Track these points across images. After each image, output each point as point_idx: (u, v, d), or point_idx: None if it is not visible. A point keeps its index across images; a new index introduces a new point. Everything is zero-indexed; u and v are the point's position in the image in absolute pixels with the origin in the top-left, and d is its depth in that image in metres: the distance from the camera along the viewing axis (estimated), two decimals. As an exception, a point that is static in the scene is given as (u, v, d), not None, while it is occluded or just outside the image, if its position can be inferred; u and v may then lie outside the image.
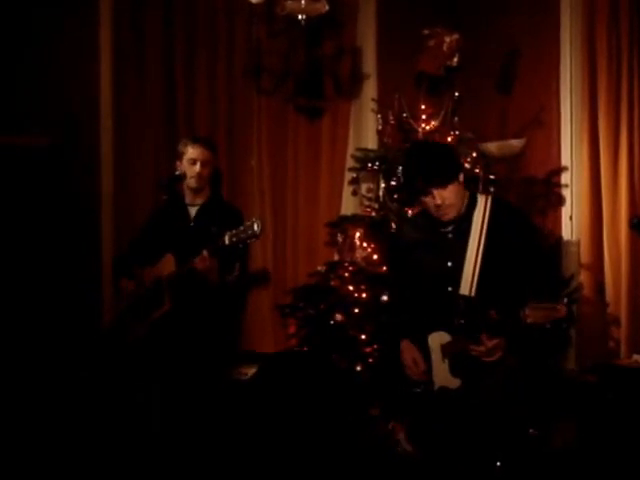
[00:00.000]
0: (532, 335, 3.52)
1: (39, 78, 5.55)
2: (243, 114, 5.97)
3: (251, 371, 5.20)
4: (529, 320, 3.30)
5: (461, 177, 3.63)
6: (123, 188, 5.92)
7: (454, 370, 3.63)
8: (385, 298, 4.78)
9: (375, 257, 5.31)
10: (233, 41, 5.93)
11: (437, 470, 3.82)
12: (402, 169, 3.74)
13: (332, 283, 5.39)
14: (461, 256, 3.61)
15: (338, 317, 5.21)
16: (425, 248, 3.76)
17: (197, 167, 4.56)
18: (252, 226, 4.07)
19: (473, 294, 3.57)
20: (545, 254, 3.70)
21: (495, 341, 3.47)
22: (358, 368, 5.06)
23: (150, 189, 5.78)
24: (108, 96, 5.83)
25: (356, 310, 5.17)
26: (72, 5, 5.66)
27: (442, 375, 3.67)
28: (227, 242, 4.11)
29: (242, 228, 4.09)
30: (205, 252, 4.21)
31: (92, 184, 5.83)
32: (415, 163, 3.66)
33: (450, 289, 3.63)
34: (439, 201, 3.56)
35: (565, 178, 5.44)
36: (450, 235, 3.69)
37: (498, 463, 3.71)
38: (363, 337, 5.12)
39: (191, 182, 4.57)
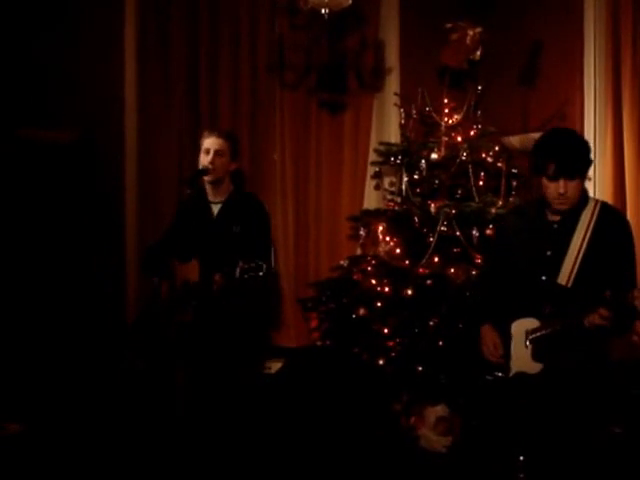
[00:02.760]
0: (629, 317, 3.56)
1: (65, 74, 5.61)
2: (266, 108, 5.99)
3: (276, 366, 5.22)
4: (637, 302, 3.38)
5: (587, 175, 3.73)
6: (147, 182, 5.97)
7: (538, 355, 3.70)
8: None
9: (398, 251, 5.31)
10: (256, 36, 5.95)
11: (460, 466, 3.83)
12: (535, 149, 3.77)
13: (355, 277, 5.40)
14: (563, 247, 3.70)
15: (361, 311, 5.22)
16: (527, 236, 3.85)
17: (209, 156, 4.55)
18: (261, 267, 4.10)
19: (570, 285, 3.66)
20: (634, 265, 3.78)
21: (610, 314, 3.50)
22: (380, 362, 5.07)
23: (174, 183, 5.83)
24: (133, 91, 5.89)
25: (379, 304, 5.18)
26: (98, 2, 5.71)
27: (522, 361, 3.76)
28: (237, 274, 4.12)
29: (253, 265, 4.11)
30: (218, 277, 4.27)
31: (117, 179, 5.89)
32: (555, 148, 3.70)
33: (544, 278, 3.72)
34: (562, 190, 3.64)
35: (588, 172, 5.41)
36: (555, 226, 3.77)
37: (521, 457, 3.74)
38: (386, 331, 5.12)
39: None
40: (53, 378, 5.24)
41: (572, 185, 3.63)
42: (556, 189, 3.64)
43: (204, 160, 4.57)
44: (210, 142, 4.60)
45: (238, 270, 4.12)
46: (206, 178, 4.59)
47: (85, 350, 5.44)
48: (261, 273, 4.10)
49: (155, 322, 4.61)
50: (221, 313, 4.45)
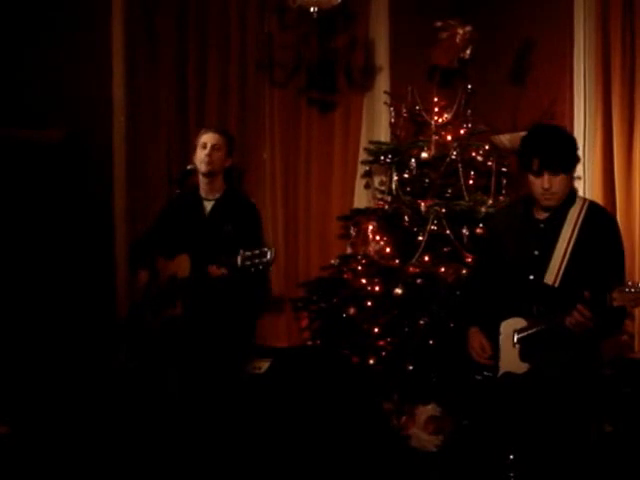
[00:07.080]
0: (616, 318, 3.58)
1: (53, 73, 5.57)
2: (255, 107, 5.96)
3: (264, 365, 5.21)
4: (615, 303, 3.37)
5: (574, 172, 3.71)
6: (136, 181, 5.93)
7: (524, 354, 3.69)
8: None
9: (388, 250, 5.32)
10: (245, 34, 5.92)
11: (450, 465, 3.83)
12: (521, 145, 3.76)
13: (345, 276, 5.41)
14: (550, 246, 3.68)
15: (351, 310, 5.22)
16: (514, 235, 3.83)
17: (207, 150, 4.59)
18: (265, 254, 4.10)
19: (557, 285, 3.64)
20: (622, 265, 3.75)
21: (589, 313, 3.48)
22: (371, 361, 5.07)
23: (162, 182, 5.80)
24: (121, 90, 5.84)
25: (369, 303, 5.19)
26: (86, 1, 5.68)
27: (509, 360, 3.74)
28: (239, 263, 4.13)
29: (257, 252, 4.11)
30: (220, 267, 4.26)
31: (105, 178, 5.85)
32: (538, 143, 3.69)
33: (532, 277, 3.71)
34: (547, 185, 3.62)
35: (578, 170, 5.40)
36: (542, 225, 3.75)
37: (511, 456, 3.74)
38: (376, 330, 5.13)
39: (201, 167, 4.61)
40: (43, 378, 5.22)
41: (557, 180, 3.61)
42: (541, 184, 3.62)
43: (201, 154, 4.61)
44: (207, 137, 4.65)
45: (239, 259, 4.11)
46: (201, 170, 4.62)
47: (76, 349, 5.42)
48: (265, 259, 4.08)
49: (143, 319, 4.60)
50: (214, 306, 4.45)
